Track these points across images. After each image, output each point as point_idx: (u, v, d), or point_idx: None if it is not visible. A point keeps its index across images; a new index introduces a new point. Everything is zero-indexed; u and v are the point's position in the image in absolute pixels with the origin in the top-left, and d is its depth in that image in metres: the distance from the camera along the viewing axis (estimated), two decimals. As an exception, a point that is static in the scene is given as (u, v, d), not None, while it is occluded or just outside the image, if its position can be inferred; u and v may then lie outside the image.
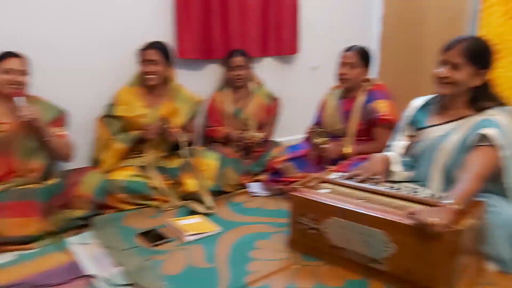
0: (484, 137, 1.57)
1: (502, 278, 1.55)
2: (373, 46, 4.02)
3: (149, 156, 2.41)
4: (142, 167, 2.37)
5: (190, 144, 2.59)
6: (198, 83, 2.95)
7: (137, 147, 2.43)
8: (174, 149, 2.51)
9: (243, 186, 2.60)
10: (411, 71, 3.74)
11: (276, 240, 1.89)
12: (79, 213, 2.04)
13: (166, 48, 2.47)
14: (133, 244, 1.88)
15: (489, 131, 1.56)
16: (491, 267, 1.59)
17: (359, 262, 1.56)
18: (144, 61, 2.40)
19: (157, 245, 1.87)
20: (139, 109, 2.41)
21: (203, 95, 2.88)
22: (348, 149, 2.37)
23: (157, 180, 2.33)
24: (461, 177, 1.52)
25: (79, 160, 2.38)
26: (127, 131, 2.41)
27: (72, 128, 2.30)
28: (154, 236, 1.94)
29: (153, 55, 2.40)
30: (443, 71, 1.69)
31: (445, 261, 1.33)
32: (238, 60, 2.79)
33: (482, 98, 1.69)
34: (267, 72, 3.30)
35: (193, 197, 2.30)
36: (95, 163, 2.43)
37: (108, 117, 2.43)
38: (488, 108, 1.68)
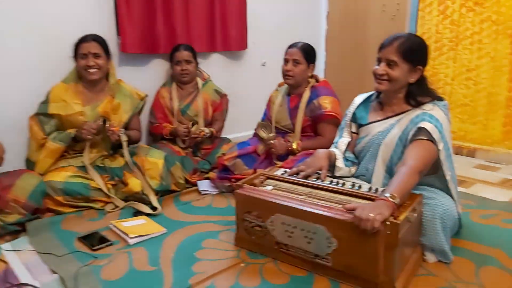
0: (421, 131, 1.62)
1: (441, 268, 1.61)
2: (322, 43, 4.10)
3: (90, 156, 2.29)
4: (82, 167, 2.25)
5: (134, 142, 2.50)
6: (143, 78, 2.85)
7: (76, 146, 2.30)
8: (116, 147, 2.41)
9: (192, 184, 2.55)
10: (356, 68, 3.84)
11: (224, 239, 1.87)
12: (12, 218, 1.92)
13: (105, 41, 2.35)
14: (71, 249, 1.78)
15: (426, 125, 1.61)
16: (430, 258, 1.65)
17: (304, 258, 1.56)
18: (84, 55, 2.25)
19: (97, 249, 1.78)
20: (76, 107, 2.27)
21: (149, 91, 2.78)
22: (295, 145, 2.39)
23: (99, 181, 2.22)
24: (399, 170, 1.55)
25: (11, 162, 2.20)
26: (63, 130, 2.27)
27: (2, 128, 2.13)
28: (95, 240, 1.85)
29: (94, 48, 2.27)
30: (380, 68, 1.72)
31: (384, 254, 1.36)
32: (183, 54, 2.71)
33: (419, 93, 1.74)
34: (215, 67, 3.25)
35: (138, 197, 2.22)
36: (30, 165, 2.27)
37: (42, 115, 2.26)
38: (425, 103, 1.73)
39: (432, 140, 1.60)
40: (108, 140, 2.32)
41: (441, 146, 1.62)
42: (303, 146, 2.40)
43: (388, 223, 1.32)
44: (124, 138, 2.28)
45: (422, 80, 1.76)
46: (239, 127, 3.40)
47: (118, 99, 2.38)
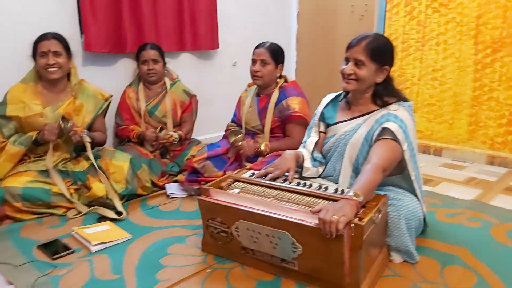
0: (386, 131, 1.63)
1: (406, 269, 1.62)
2: (293, 43, 4.10)
3: (51, 159, 2.19)
4: (43, 172, 2.15)
5: (99, 144, 2.42)
6: (109, 78, 2.78)
7: (37, 150, 2.20)
8: (79, 150, 2.32)
9: (160, 187, 2.49)
10: (326, 68, 3.86)
11: (191, 244, 1.82)
12: (-34, 226, 1.82)
13: (66, 40, 2.25)
14: (30, 258, 1.70)
15: (390, 125, 1.62)
16: (396, 258, 1.66)
17: (271, 262, 1.54)
18: (43, 53, 2.15)
19: (58, 257, 1.70)
20: (36, 108, 2.17)
21: (116, 91, 2.70)
22: (263, 146, 2.37)
23: (61, 185, 2.13)
24: (363, 169, 1.55)
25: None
26: (24, 132, 2.18)
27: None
28: (55, 248, 1.77)
29: (55, 45, 2.17)
30: (348, 67, 1.72)
31: (349, 256, 1.35)
32: (150, 53, 2.64)
33: (385, 93, 1.75)
34: (185, 67, 3.20)
35: (102, 202, 2.15)
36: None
37: (0, 118, 2.16)
38: (391, 103, 1.74)
39: (396, 140, 1.61)
40: (70, 143, 2.23)
41: (405, 146, 1.63)
42: (271, 147, 2.38)
43: (352, 225, 1.31)
44: (87, 139, 2.20)
45: (388, 81, 1.77)
46: (210, 128, 3.36)
47: (80, 99, 2.29)
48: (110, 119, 2.74)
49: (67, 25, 2.56)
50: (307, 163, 1.88)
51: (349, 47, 1.74)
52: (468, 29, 3.02)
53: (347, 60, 1.75)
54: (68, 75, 2.30)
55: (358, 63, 1.70)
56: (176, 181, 2.53)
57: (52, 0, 2.50)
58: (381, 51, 1.71)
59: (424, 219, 1.81)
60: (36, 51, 2.18)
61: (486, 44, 2.95)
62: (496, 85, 2.95)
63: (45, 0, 2.48)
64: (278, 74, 2.47)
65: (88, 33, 2.59)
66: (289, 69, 4.12)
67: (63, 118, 2.16)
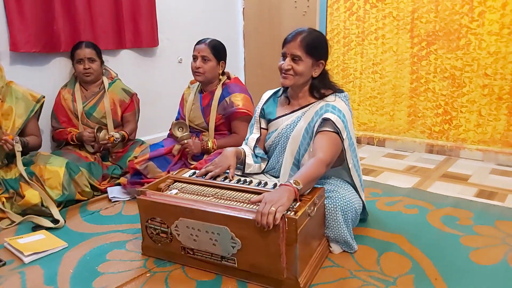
0: (326, 122, 1.66)
1: (345, 258, 1.66)
2: (240, 38, 4.09)
3: (-21, 168, 2.06)
4: (-30, 181, 2.02)
5: (34, 148, 2.30)
6: (42, 79, 2.63)
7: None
8: (11, 157, 2.19)
9: (102, 191, 2.41)
10: (273, 63, 3.87)
11: (131, 249, 1.77)
12: None
13: None
14: (-44, 274, 1.59)
15: (330, 116, 1.65)
16: (335, 249, 1.70)
17: (211, 261, 1.53)
18: None
19: (-14, 271, 1.61)
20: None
21: (50, 92, 2.57)
22: (210, 144, 2.35)
23: (-9, 194, 2.01)
24: (308, 161, 1.58)
25: None
26: None
27: None
28: (-15, 262, 1.67)
29: None
30: (285, 63, 1.74)
31: (286, 250, 1.37)
32: (85, 52, 2.52)
33: (322, 86, 1.79)
34: (126, 65, 3.09)
35: (37, 210, 2.05)
36: None
37: None
38: (328, 95, 1.78)
39: (336, 131, 1.64)
40: (0, 150, 2.10)
41: (344, 135, 1.67)
42: (218, 145, 2.36)
43: (286, 219, 1.32)
44: (18, 148, 2.08)
45: (324, 74, 1.81)
46: (154, 128, 3.28)
47: (9, 103, 2.16)
48: (46, 122, 2.61)
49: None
50: (249, 160, 1.88)
51: (285, 42, 1.76)
52: (404, 24, 3.13)
53: (284, 55, 1.76)
54: None
55: (295, 59, 1.72)
56: (118, 184, 2.45)
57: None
58: (316, 46, 1.74)
59: (364, 207, 1.86)
60: None
61: (421, 38, 3.08)
62: (432, 77, 3.09)
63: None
64: (221, 71, 2.45)
65: (14, 33, 2.43)
66: (238, 65, 4.11)
67: None
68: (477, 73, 2.91)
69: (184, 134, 2.36)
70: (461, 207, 2.15)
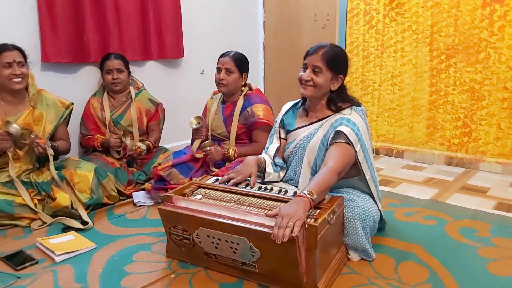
0: (339, 134, 1.72)
1: (363, 266, 1.70)
2: (260, 51, 4.18)
3: (13, 169, 2.17)
4: (5, 183, 2.13)
5: (63, 152, 2.42)
6: (72, 87, 2.77)
7: (-1, 161, 2.19)
8: (43, 161, 2.31)
9: (127, 196, 2.50)
10: (292, 75, 3.96)
11: (156, 251, 1.85)
12: None
13: (24, 50, 2.25)
14: (-7, 270, 1.69)
15: (343, 129, 1.71)
16: (354, 256, 1.74)
17: (233, 265, 1.59)
18: (8, 64, 2.14)
19: (21, 268, 1.70)
20: (-6, 120, 2.17)
21: (80, 100, 2.70)
22: (231, 151, 2.42)
23: (25, 195, 2.12)
24: (320, 171, 1.63)
25: None
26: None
27: None
28: (19, 260, 1.76)
29: (18, 56, 2.17)
30: (306, 74, 1.80)
31: (305, 256, 1.42)
32: (114, 63, 2.66)
33: (339, 100, 1.85)
34: (151, 76, 3.22)
35: (67, 212, 2.15)
36: None
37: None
38: (345, 108, 1.84)
39: (349, 142, 1.70)
40: (32, 154, 2.22)
41: (358, 147, 1.72)
42: (239, 152, 2.44)
43: (306, 226, 1.38)
44: (50, 152, 2.20)
45: (342, 89, 1.87)
46: (178, 136, 3.39)
47: (40, 109, 2.30)
48: (74, 128, 2.74)
49: (27, 36, 2.54)
50: (269, 168, 1.95)
51: (307, 54, 1.84)
52: (423, 37, 3.17)
53: (305, 66, 1.83)
54: (26, 86, 2.29)
55: (315, 70, 1.79)
56: (143, 189, 2.54)
57: (14, 10, 2.49)
58: (337, 60, 1.81)
59: (381, 217, 1.90)
60: None
61: (441, 51, 3.11)
62: (451, 90, 3.11)
63: (7, 10, 2.46)
64: (243, 82, 2.53)
65: (46, 44, 2.58)
66: (258, 76, 4.20)
67: (7, 122, 2.12)
68: (497, 87, 2.92)
69: (206, 142, 2.44)
70: (479, 219, 2.16)
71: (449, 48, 3.07)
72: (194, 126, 2.42)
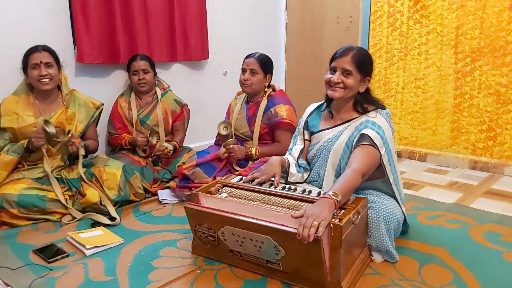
0: (364, 137, 1.73)
1: (386, 267, 1.71)
2: (282, 52, 4.21)
3: (48, 164, 2.26)
4: (38, 179, 2.22)
5: (91, 151, 2.50)
6: (101, 88, 2.86)
7: (31, 158, 2.28)
8: (74, 158, 2.40)
9: (152, 194, 2.57)
10: (314, 77, 3.97)
11: (181, 247, 1.90)
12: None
13: (55, 51, 2.33)
14: (27, 261, 1.77)
15: (368, 132, 1.72)
16: (377, 258, 1.75)
17: (257, 263, 1.62)
18: (35, 65, 2.22)
19: (53, 261, 1.77)
20: (29, 119, 2.26)
21: (109, 101, 2.79)
22: (254, 150, 2.46)
23: (57, 190, 2.20)
24: (344, 172, 1.65)
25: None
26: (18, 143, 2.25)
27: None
28: (51, 252, 1.84)
29: (46, 57, 2.25)
30: (336, 76, 1.82)
31: (330, 255, 1.44)
32: (140, 64, 2.73)
33: (364, 102, 1.86)
34: (176, 77, 3.29)
35: (96, 208, 2.22)
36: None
37: (-7, 129, 2.23)
38: (370, 110, 1.85)
39: (374, 145, 1.71)
40: (64, 151, 2.31)
41: (383, 150, 1.73)
42: (262, 152, 2.47)
43: (331, 225, 1.40)
44: (82, 152, 2.29)
45: (367, 91, 1.88)
46: (201, 136, 3.44)
47: (72, 109, 2.38)
48: (103, 128, 2.82)
49: (60, 38, 2.64)
50: (293, 169, 1.97)
51: (335, 57, 1.85)
52: (448, 39, 3.15)
53: (333, 69, 1.85)
54: (59, 86, 2.38)
55: (346, 73, 1.81)
56: (168, 188, 2.61)
57: (45, 13, 2.58)
58: (365, 63, 1.83)
59: (405, 219, 1.90)
60: (27, 63, 2.24)
61: (466, 54, 3.08)
62: (476, 93, 3.08)
63: (39, 13, 2.55)
64: (267, 83, 2.57)
65: (81, 45, 2.67)
66: (279, 78, 4.23)
67: (46, 122, 2.20)
68: (524, 90, 2.87)
69: (230, 140, 2.48)
70: (504, 223, 2.14)
71: (475, 50, 3.03)
72: (224, 132, 2.47)
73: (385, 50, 3.47)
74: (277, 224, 1.47)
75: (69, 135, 2.25)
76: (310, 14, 3.93)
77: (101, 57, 2.76)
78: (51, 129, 2.19)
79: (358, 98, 1.87)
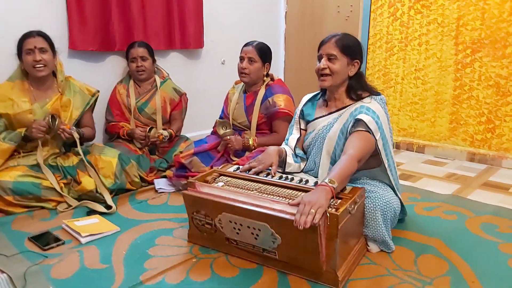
0: (359, 123, 1.72)
1: (382, 257, 1.71)
2: (281, 42, 4.18)
3: (41, 154, 2.24)
4: (33, 167, 2.21)
5: (88, 139, 2.48)
6: (97, 75, 2.83)
7: (26, 145, 2.26)
8: (69, 145, 2.38)
9: (149, 182, 2.56)
10: (313, 66, 3.93)
11: (177, 236, 1.89)
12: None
13: (50, 37, 2.29)
14: (22, 249, 1.76)
15: (363, 117, 1.71)
16: (373, 247, 1.75)
17: (253, 251, 1.62)
18: (30, 50, 2.18)
19: (48, 248, 1.76)
20: (24, 105, 2.23)
21: (106, 88, 2.76)
22: (251, 141, 2.44)
23: (52, 179, 2.19)
24: (340, 159, 1.64)
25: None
26: (13, 129, 2.23)
27: None
28: (46, 240, 1.83)
29: (40, 42, 2.20)
30: (321, 63, 1.82)
31: (326, 245, 1.43)
32: (138, 51, 2.70)
33: (358, 87, 1.86)
34: (174, 65, 3.25)
35: (91, 196, 2.21)
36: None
37: (-12, 115, 2.21)
38: (364, 97, 1.85)
39: (369, 130, 1.70)
40: (59, 138, 2.29)
41: (378, 135, 1.72)
42: (259, 142, 2.46)
43: (328, 214, 1.39)
44: (76, 135, 2.26)
45: (360, 75, 1.88)
46: (198, 125, 3.42)
47: (67, 95, 2.35)
48: (100, 115, 2.80)
49: (56, 25, 2.60)
50: (290, 159, 1.97)
51: (321, 45, 1.86)
52: (448, 30, 3.12)
53: (320, 57, 1.85)
54: (54, 72, 2.35)
55: (330, 58, 1.81)
56: (164, 177, 2.59)
57: (37, 1, 2.53)
58: (350, 45, 1.83)
59: (402, 205, 1.89)
60: (22, 49, 2.20)
61: (466, 45, 3.05)
62: (476, 85, 3.06)
63: (31, 1, 2.51)
64: (265, 72, 2.54)
65: (74, 32, 2.63)
66: (278, 67, 4.20)
67: (52, 117, 2.19)
68: (524, 82, 2.86)
69: (227, 130, 2.47)
70: (501, 215, 2.14)
71: (475, 42, 3.01)
72: (222, 132, 2.46)
73: (385, 40, 3.44)
74: (274, 211, 1.46)
75: (57, 122, 2.20)
76: (310, 3, 3.89)
77: (95, 44, 2.73)
78: (55, 124, 2.18)
79: (351, 83, 1.87)
